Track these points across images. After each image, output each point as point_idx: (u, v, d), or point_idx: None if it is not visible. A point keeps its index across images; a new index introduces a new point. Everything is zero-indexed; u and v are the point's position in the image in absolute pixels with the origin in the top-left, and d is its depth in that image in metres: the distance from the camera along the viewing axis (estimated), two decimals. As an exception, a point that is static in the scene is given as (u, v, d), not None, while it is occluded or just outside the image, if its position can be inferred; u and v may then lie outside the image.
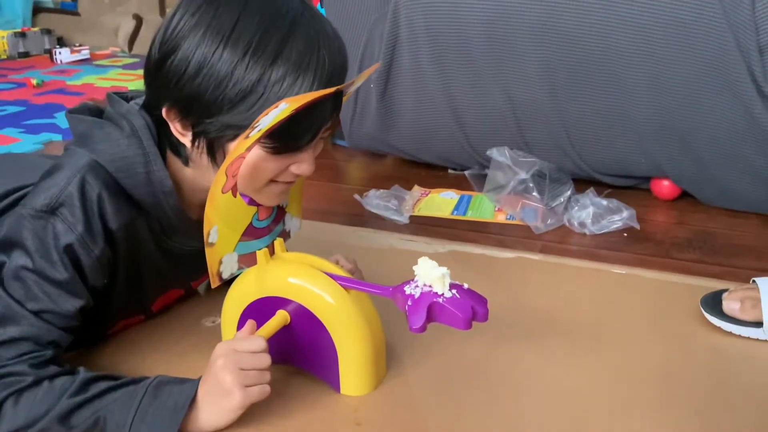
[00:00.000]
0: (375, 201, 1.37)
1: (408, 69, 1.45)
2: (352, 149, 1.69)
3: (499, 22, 1.32)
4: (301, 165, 0.76)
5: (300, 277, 0.80)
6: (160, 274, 0.88)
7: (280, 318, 0.79)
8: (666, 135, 1.29)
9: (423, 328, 0.73)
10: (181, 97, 0.72)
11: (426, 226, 1.30)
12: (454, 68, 1.40)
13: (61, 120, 2.04)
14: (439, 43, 1.39)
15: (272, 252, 0.83)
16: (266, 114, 0.68)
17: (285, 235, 0.91)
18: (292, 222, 0.93)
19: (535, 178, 1.30)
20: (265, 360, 0.74)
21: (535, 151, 1.36)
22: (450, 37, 1.37)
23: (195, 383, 0.74)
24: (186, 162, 0.79)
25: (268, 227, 0.85)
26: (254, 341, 0.75)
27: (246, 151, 0.71)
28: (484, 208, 1.36)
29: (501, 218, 1.31)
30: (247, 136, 0.69)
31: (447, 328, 0.75)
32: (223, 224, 0.77)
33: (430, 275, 0.73)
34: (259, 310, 0.82)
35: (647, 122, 1.30)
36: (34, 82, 2.53)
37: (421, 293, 0.74)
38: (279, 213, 0.89)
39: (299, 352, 0.83)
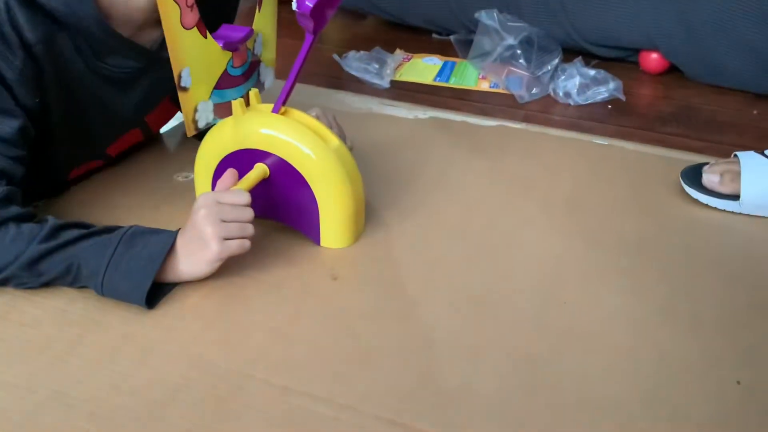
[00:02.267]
0: (355, 63, 1.31)
1: None
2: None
3: None
4: None
5: (277, 127, 0.76)
6: (103, 105, 0.83)
7: (259, 171, 0.77)
8: (660, 3, 1.24)
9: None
10: None
11: (407, 92, 1.26)
12: None
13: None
14: None
15: (248, 103, 0.79)
16: None
17: (260, 86, 0.87)
18: (266, 72, 0.88)
19: (522, 44, 1.24)
20: (248, 213, 0.73)
21: (525, 16, 1.30)
22: None
23: (172, 234, 0.73)
24: None
25: (243, 75, 0.81)
26: (238, 194, 0.73)
27: None
28: (468, 75, 1.31)
29: (485, 86, 1.27)
30: None
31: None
32: (195, 67, 0.72)
33: None
34: (235, 163, 0.79)
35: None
36: None
37: None
38: (253, 63, 0.84)
39: (279, 205, 0.82)
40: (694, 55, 1.25)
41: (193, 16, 0.68)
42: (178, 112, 0.99)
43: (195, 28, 0.70)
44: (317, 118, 0.81)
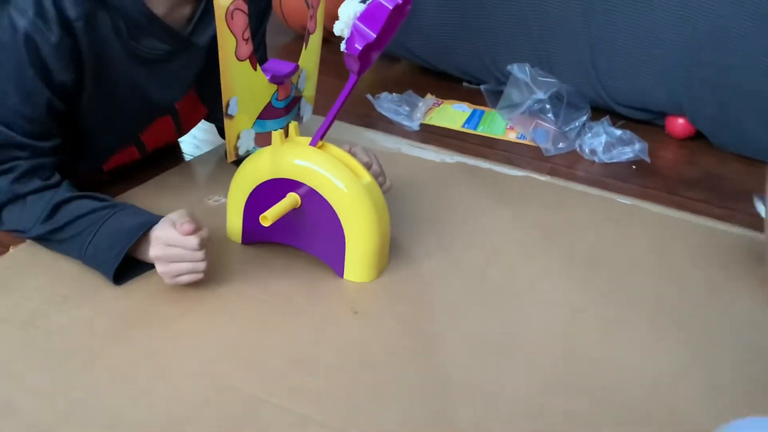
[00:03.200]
0: (387, 104, 1.35)
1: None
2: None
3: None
4: None
5: (313, 160, 0.79)
6: (134, 86, 0.87)
7: (291, 200, 0.79)
8: (690, 68, 1.26)
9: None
10: None
11: (435, 136, 1.28)
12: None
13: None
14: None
15: (287, 134, 0.81)
16: None
17: (299, 119, 0.90)
18: (306, 107, 0.91)
19: (552, 99, 1.27)
20: (197, 256, 0.75)
21: (556, 72, 1.33)
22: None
23: (142, 228, 0.77)
24: None
25: (285, 108, 0.83)
26: (188, 241, 0.75)
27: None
28: (496, 124, 1.34)
29: (512, 136, 1.30)
30: None
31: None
32: (242, 97, 0.75)
33: (350, 7, 0.70)
34: (269, 191, 0.81)
35: (673, 52, 1.27)
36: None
37: (353, 26, 0.70)
38: (295, 97, 0.87)
39: (306, 235, 0.83)
40: (720, 123, 1.27)
41: (247, 48, 0.72)
42: (203, 128, 1.06)
43: (247, 60, 0.73)
44: (354, 154, 0.83)
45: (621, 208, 1.07)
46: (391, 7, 0.67)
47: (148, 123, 0.95)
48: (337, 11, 0.69)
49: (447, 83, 1.54)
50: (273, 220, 0.75)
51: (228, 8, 0.68)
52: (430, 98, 1.43)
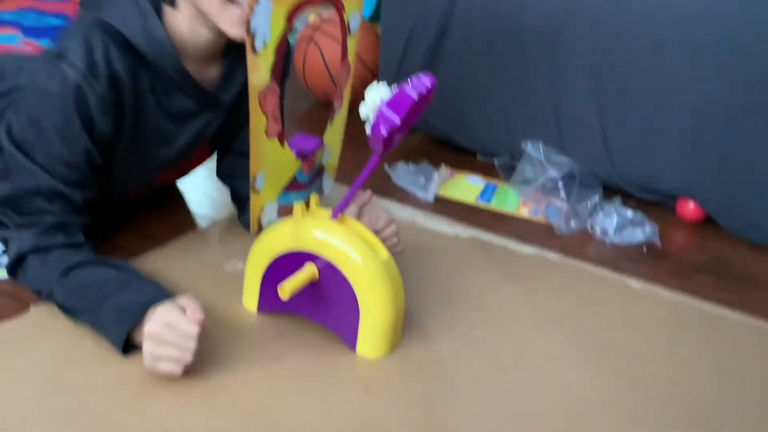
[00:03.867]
0: (403, 174, 1.37)
1: (458, 47, 1.44)
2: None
3: (557, 14, 1.31)
4: None
5: (333, 233, 0.81)
6: (164, 138, 0.93)
7: (309, 272, 0.80)
8: (701, 153, 1.29)
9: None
10: None
11: (450, 208, 1.30)
12: (504, 53, 1.40)
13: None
14: (494, 25, 1.38)
15: (307, 206, 0.83)
16: (252, 12, 0.68)
17: (320, 192, 0.92)
18: (327, 179, 0.94)
19: (565, 178, 1.30)
20: (190, 347, 0.74)
21: (569, 151, 1.36)
22: (506, 20, 1.37)
23: (159, 297, 0.78)
24: (172, 2, 0.84)
25: (308, 181, 0.86)
26: (189, 329, 0.74)
27: (272, 82, 0.71)
28: (509, 199, 1.36)
29: (525, 212, 1.32)
30: (253, 49, 0.70)
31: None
32: (269, 171, 0.77)
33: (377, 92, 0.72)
34: (287, 263, 0.83)
35: (684, 136, 1.30)
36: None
37: (379, 110, 0.72)
38: (318, 170, 0.89)
39: (321, 307, 0.84)
40: (731, 208, 1.29)
41: (277, 127, 0.75)
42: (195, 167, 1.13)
43: (276, 137, 0.75)
44: (365, 222, 0.85)
45: (631, 291, 1.08)
46: (416, 98, 0.70)
47: (165, 171, 1.02)
48: (357, 86, 0.72)
49: (461, 154, 1.57)
50: (291, 293, 0.77)
51: (261, 90, 0.71)
52: (444, 170, 1.46)
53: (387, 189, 1.35)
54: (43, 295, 0.83)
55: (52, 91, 0.80)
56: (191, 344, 0.74)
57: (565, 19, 1.31)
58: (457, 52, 1.46)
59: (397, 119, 0.71)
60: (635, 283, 1.10)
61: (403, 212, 1.25)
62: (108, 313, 0.77)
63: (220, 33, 0.83)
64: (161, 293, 0.80)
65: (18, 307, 0.86)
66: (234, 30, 0.81)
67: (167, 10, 0.84)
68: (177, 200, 1.20)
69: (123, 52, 0.83)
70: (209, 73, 0.92)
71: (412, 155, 1.49)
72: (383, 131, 0.71)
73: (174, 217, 1.07)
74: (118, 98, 0.83)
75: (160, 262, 0.97)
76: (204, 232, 1.10)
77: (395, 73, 1.54)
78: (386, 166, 1.40)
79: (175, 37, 0.85)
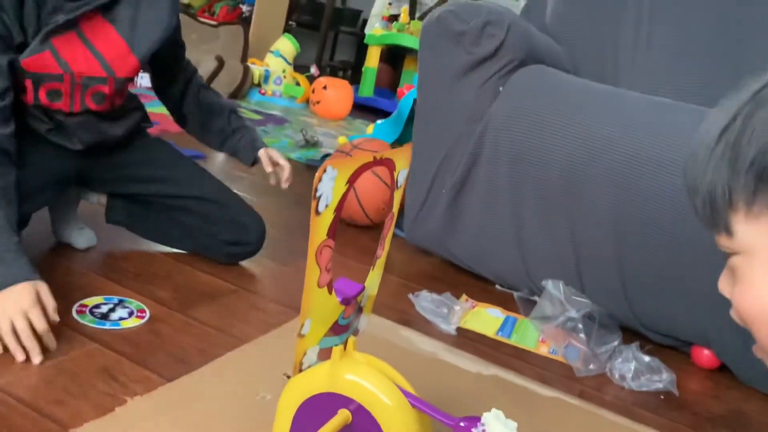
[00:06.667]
0: (426, 304, 1.41)
1: (482, 186, 1.51)
2: (407, 242, 1.74)
3: (580, 164, 1.39)
4: None
5: (367, 378, 0.83)
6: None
7: (343, 417, 0.83)
8: (717, 302, 1.32)
9: None
10: None
11: (471, 342, 1.33)
12: (527, 196, 1.47)
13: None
14: (518, 170, 1.46)
15: (345, 348, 0.87)
16: (320, 180, 0.73)
17: (355, 332, 0.96)
18: (363, 319, 0.97)
19: (584, 319, 1.33)
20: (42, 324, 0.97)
21: (588, 292, 1.40)
22: (530, 167, 1.44)
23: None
24: None
25: (348, 324, 0.90)
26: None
27: (328, 238, 0.76)
28: (529, 335, 1.39)
29: (544, 350, 1.35)
30: (317, 212, 0.74)
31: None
32: (316, 318, 0.81)
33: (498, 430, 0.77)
34: (320, 405, 0.85)
35: (701, 285, 1.33)
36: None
37: None
38: (358, 311, 0.93)
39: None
40: (747, 360, 1.31)
41: (327, 277, 0.79)
42: None
43: (325, 286, 0.80)
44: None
45: (651, 443, 1.09)
46: None
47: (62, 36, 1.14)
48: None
49: (480, 283, 1.62)
50: (325, 440, 0.79)
51: (319, 245, 0.76)
52: (466, 301, 1.50)
53: (411, 317, 1.38)
54: None
55: None
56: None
57: (587, 167, 1.39)
58: (481, 191, 1.53)
59: None
60: (653, 435, 1.11)
61: (425, 344, 1.28)
62: None
63: None
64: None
65: None
66: None
67: None
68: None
69: None
70: None
71: (432, 281, 1.54)
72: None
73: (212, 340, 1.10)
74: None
75: (191, 386, 0.99)
76: (239, 355, 1.12)
77: (422, 203, 1.61)
78: (410, 295, 1.44)
79: None
